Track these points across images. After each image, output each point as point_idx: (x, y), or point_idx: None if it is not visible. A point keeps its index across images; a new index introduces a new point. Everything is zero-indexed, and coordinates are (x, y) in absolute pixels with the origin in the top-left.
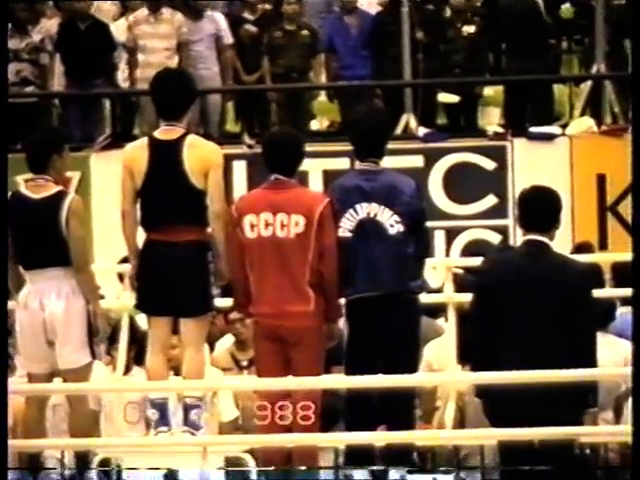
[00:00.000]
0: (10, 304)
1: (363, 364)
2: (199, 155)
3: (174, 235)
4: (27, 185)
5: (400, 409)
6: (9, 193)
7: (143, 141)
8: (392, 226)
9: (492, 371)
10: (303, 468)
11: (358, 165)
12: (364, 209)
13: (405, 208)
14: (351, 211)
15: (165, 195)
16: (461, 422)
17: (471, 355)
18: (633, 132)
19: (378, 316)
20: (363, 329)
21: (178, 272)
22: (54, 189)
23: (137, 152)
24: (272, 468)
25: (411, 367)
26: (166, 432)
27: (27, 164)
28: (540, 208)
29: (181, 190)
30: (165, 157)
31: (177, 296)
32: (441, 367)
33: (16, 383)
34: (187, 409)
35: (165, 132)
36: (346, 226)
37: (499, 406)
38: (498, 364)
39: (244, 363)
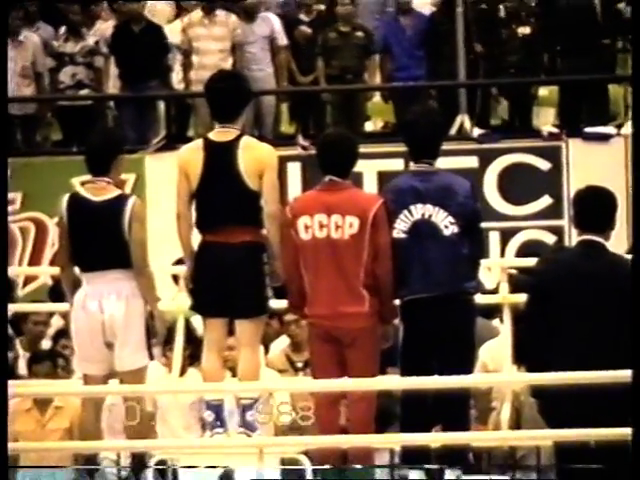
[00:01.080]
0: (65, 306)
1: (418, 365)
2: (254, 156)
3: (229, 236)
4: (86, 187)
5: (456, 410)
6: (66, 195)
7: (198, 143)
8: (447, 227)
9: (547, 372)
10: (359, 467)
11: (412, 166)
12: (419, 210)
13: (460, 209)
14: (406, 212)
15: (220, 197)
16: (517, 423)
17: (526, 355)
18: (633, 132)
19: (433, 317)
20: (418, 330)
21: (233, 273)
22: (115, 192)
23: (192, 154)
24: (327, 467)
25: (466, 368)
26: (222, 433)
27: (87, 166)
28: (596, 208)
29: (236, 191)
30: (220, 159)
31: (233, 297)
32: (496, 368)
33: (73, 385)
34: (243, 410)
35: (220, 134)
36: (401, 227)
37: (555, 406)
38: (553, 365)
39: (299, 364)
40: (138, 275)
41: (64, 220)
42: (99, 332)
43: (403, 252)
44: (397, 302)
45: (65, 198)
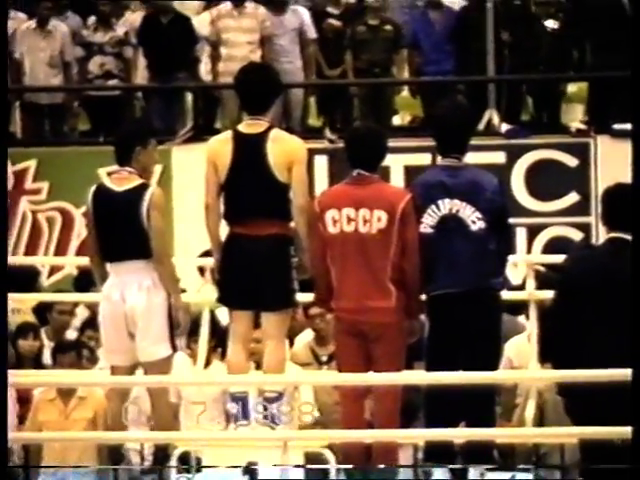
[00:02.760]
0: (90, 296)
1: (444, 360)
2: (283, 149)
3: (257, 229)
4: (111, 178)
5: (480, 406)
6: (93, 186)
7: (227, 134)
8: (474, 222)
9: (574, 369)
10: (382, 466)
11: (440, 161)
12: (446, 205)
13: (487, 205)
14: (433, 207)
15: (249, 189)
16: (541, 420)
17: (552, 353)
18: (633, 132)
19: (459, 312)
20: (444, 325)
21: (260, 266)
22: (137, 181)
23: (221, 146)
24: (351, 466)
25: (492, 364)
26: (246, 426)
27: (115, 156)
28: (625, 206)
29: (265, 184)
30: (249, 151)
31: (259, 290)
32: (521, 364)
33: (97, 375)
34: (267, 403)
35: (249, 126)
36: (428, 222)
37: (581, 405)
38: (580, 362)
39: (324, 358)
40: (158, 265)
41: (90, 210)
42: (122, 322)
43: (430, 247)
44: (423, 297)
45: (92, 189)
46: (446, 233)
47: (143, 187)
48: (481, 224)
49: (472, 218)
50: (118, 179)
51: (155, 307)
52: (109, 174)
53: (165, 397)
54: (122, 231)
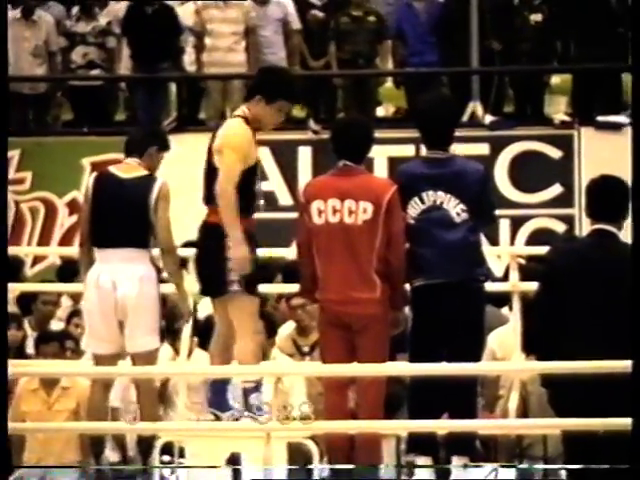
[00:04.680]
0: (73, 286)
1: (427, 351)
2: (220, 134)
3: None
4: (116, 166)
5: (463, 397)
6: (94, 173)
7: None
8: (458, 215)
9: (557, 360)
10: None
11: (425, 153)
12: (430, 197)
13: (471, 195)
14: (416, 199)
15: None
16: (524, 412)
17: (536, 344)
18: (633, 131)
19: (443, 303)
20: (428, 316)
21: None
22: (144, 171)
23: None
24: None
25: (475, 355)
26: (227, 418)
27: (126, 147)
28: (609, 198)
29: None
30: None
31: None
32: (504, 356)
33: (79, 365)
34: (246, 393)
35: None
36: (411, 213)
37: (564, 396)
38: (564, 354)
39: (305, 349)
40: (166, 255)
41: (89, 195)
42: (112, 310)
43: (414, 238)
44: (407, 288)
45: (93, 175)
46: (429, 224)
47: (151, 178)
48: (465, 216)
49: (457, 210)
50: (125, 167)
51: (147, 298)
52: (113, 163)
53: (151, 388)
54: (124, 217)
